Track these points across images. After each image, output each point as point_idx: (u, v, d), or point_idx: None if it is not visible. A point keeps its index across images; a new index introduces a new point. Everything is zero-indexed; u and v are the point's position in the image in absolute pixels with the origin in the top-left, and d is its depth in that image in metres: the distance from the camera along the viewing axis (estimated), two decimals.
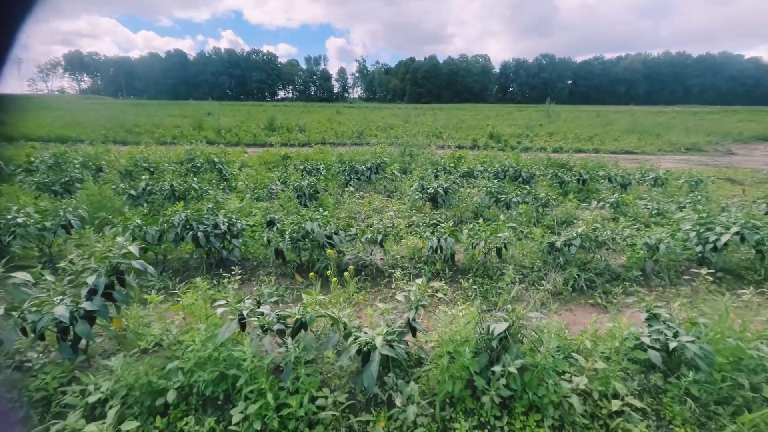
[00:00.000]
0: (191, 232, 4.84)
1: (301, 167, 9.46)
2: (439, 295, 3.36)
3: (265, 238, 5.07)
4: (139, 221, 4.87)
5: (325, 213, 6.71)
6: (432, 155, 13.06)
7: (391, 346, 2.89)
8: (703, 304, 3.74)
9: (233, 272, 4.65)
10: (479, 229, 5.43)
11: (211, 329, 3.05)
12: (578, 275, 5.08)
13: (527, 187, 8.39)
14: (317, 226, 4.75)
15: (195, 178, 7.81)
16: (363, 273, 5.23)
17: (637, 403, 2.67)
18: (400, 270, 5.32)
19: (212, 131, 21.89)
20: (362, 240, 5.24)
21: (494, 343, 2.93)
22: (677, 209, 7.59)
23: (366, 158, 11.15)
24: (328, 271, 4.51)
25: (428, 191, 7.35)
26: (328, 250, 4.47)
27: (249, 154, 13.50)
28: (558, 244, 5.18)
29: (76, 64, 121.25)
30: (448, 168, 9.89)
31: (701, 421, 2.90)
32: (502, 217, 5.57)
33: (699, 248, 5.46)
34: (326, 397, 2.76)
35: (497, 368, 2.69)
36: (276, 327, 2.87)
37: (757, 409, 2.84)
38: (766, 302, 4.79)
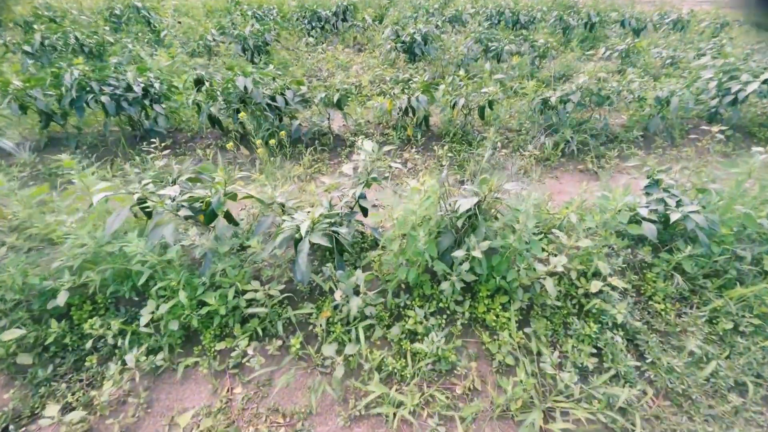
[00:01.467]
0: (93, 96, 3.79)
1: (249, 13, 7.58)
2: (395, 164, 2.67)
3: (190, 102, 4.06)
4: (18, 83, 3.75)
5: (278, 71, 5.51)
6: None
7: (334, 231, 2.32)
8: (716, 167, 3.16)
9: (157, 146, 3.83)
10: (459, 84, 4.44)
11: (104, 217, 2.41)
12: (570, 137, 4.37)
13: (524, 33, 6.95)
14: (252, 83, 3.72)
15: (107, 28, 6.16)
16: (318, 142, 4.42)
17: (619, 284, 2.28)
18: (363, 137, 4.53)
19: None
20: (316, 101, 4.27)
21: (460, 222, 2.38)
22: (695, 57, 6.47)
23: (333, 1, 9.04)
24: (272, 141, 3.70)
25: (403, 39, 5.96)
26: (241, 114, 3.55)
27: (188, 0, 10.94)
28: (552, 101, 4.31)
29: None
30: (431, 12, 8.08)
31: (684, 296, 2.61)
32: (487, 66, 4.50)
33: (715, 101, 4.65)
34: (256, 291, 2.31)
35: (459, 253, 2.19)
36: (182, 213, 2.22)
37: (751, 283, 2.53)
38: None
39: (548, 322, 2.42)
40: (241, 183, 2.67)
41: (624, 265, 2.65)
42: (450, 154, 4.25)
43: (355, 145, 4.20)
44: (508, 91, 5.16)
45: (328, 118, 4.35)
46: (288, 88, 4.18)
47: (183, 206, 2.25)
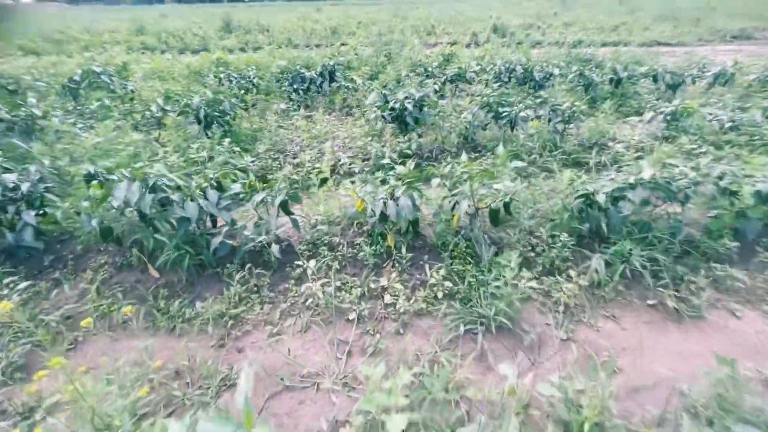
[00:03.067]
0: None
1: (221, 76, 6.68)
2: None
3: (60, 211, 2.80)
4: None
5: (234, 146, 4.36)
6: (416, 53, 9.96)
7: None
8: None
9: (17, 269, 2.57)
10: (461, 174, 3.10)
11: None
12: (630, 253, 2.91)
13: (541, 93, 5.78)
14: (138, 190, 2.44)
15: (34, 99, 5.19)
16: (256, 262, 3.05)
17: None
18: (327, 250, 3.17)
19: (153, 36, 17.92)
20: (253, 204, 2.96)
21: None
22: (765, 119, 5.11)
23: (325, 61, 8.21)
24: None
25: (392, 106, 4.80)
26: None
27: (179, 62, 10.37)
28: (600, 199, 2.91)
29: None
30: (429, 71, 7.07)
31: None
32: (500, 149, 3.18)
33: None
34: None
35: None
36: None
37: None
38: None
39: None
40: None
41: None
42: (448, 283, 2.81)
43: (307, 269, 2.83)
44: (531, 174, 3.81)
45: (274, 226, 3.01)
46: (213, 186, 2.91)
47: None
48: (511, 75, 6.94)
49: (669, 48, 15.50)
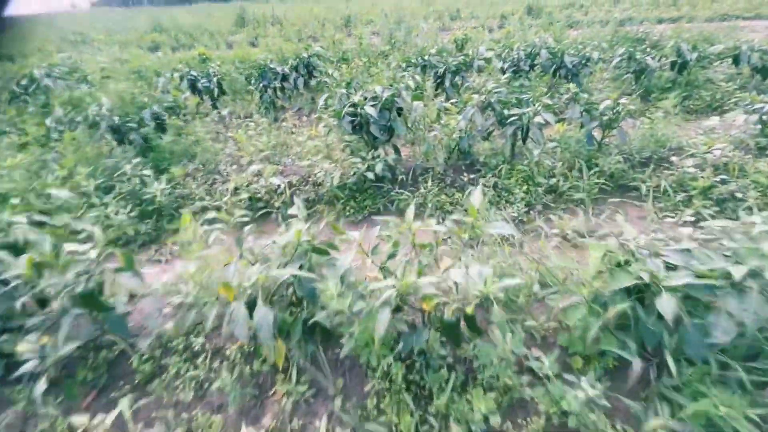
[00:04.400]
0: None
1: (178, 77, 5.61)
2: None
3: None
4: None
5: (145, 167, 3.27)
6: (424, 39, 8.47)
7: None
8: None
9: None
10: (396, 243, 1.74)
11: None
12: (725, 418, 1.44)
13: (572, 85, 4.20)
14: None
15: None
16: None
17: None
18: (183, 362, 1.95)
19: (166, 34, 17.53)
20: (47, 289, 1.78)
21: None
22: None
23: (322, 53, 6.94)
24: None
25: (350, 112, 3.45)
26: None
27: (167, 59, 9.49)
28: (665, 308, 1.44)
29: None
30: (426, 59, 5.53)
31: None
32: (476, 196, 1.74)
33: None
34: None
35: None
36: None
37: None
38: None
39: None
40: None
41: None
42: None
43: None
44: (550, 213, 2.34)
45: (57, 346, 1.80)
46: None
47: None
48: (533, 60, 5.32)
49: (745, 23, 12.84)
